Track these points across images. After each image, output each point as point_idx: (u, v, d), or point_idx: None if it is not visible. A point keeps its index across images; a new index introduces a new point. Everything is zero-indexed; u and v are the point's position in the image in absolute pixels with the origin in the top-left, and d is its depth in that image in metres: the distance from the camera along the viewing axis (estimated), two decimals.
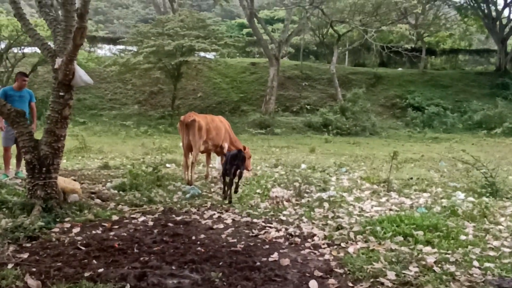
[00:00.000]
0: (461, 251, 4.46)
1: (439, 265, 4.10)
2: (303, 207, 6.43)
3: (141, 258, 4.21)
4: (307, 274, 3.91)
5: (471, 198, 6.91)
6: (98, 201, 6.43)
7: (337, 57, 28.24)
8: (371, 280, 3.76)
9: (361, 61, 36.25)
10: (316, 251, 4.56)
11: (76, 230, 5.08)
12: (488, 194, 7.05)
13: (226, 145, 8.78)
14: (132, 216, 5.82)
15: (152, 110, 25.39)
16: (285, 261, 4.18)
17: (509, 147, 17.28)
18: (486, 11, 31.57)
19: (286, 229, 5.29)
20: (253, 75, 29.34)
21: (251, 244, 4.75)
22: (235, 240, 4.89)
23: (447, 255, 4.33)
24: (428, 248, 4.52)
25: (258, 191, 7.50)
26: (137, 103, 26.07)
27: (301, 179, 7.73)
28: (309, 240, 4.91)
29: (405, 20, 28.55)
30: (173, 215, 5.95)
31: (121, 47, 28.77)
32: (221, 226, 5.47)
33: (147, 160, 9.88)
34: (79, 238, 4.79)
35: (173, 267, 4.00)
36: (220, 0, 32.84)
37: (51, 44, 5.91)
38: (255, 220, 5.74)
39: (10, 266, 3.87)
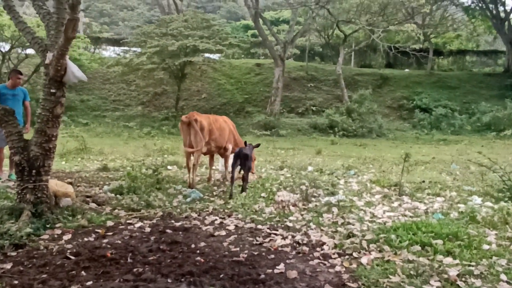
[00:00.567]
0: (486, 263, 4.06)
1: (463, 279, 3.71)
2: (310, 212, 6.04)
3: (135, 269, 3.85)
4: None
5: (488, 203, 6.51)
6: (93, 205, 6.06)
7: (343, 58, 27.84)
8: None
9: (367, 62, 35.83)
10: (326, 262, 4.17)
11: (66, 237, 4.73)
12: (507, 199, 6.63)
13: (230, 147, 8.42)
14: (128, 221, 5.46)
15: (156, 111, 25.08)
16: (292, 274, 3.80)
17: None
18: (494, 11, 31.09)
19: (293, 237, 4.91)
20: (258, 76, 28.99)
21: (255, 253, 4.37)
22: (238, 248, 4.51)
23: (471, 267, 3.93)
24: (449, 259, 4.12)
25: (262, 194, 7.10)
26: (140, 104, 25.77)
27: (308, 182, 7.33)
28: (318, 249, 4.52)
29: (412, 21, 28.09)
30: (172, 221, 5.58)
31: (125, 48, 28.44)
32: (223, 233, 5.09)
33: (148, 162, 9.53)
34: (69, 246, 4.43)
35: (169, 280, 3.63)
36: None
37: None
38: (259, 226, 5.36)
39: None
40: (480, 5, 31.94)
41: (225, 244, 4.66)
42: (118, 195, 6.67)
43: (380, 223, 5.44)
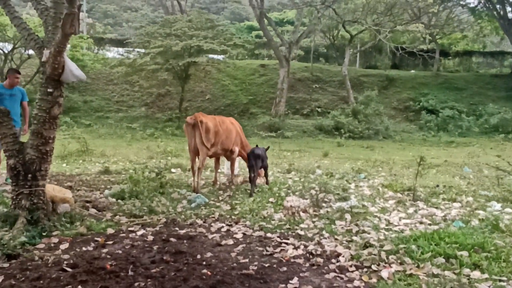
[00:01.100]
0: None
1: None
2: (322, 219, 5.71)
3: (136, 284, 3.55)
4: None
5: (508, 209, 6.18)
6: (93, 211, 5.76)
7: (348, 59, 27.49)
8: None
9: (372, 63, 35.44)
10: (342, 275, 3.85)
11: (64, 246, 4.43)
12: None
13: (236, 149, 8.10)
14: (130, 229, 5.15)
15: (160, 112, 24.79)
16: None
17: None
18: (502, 12, 30.66)
19: (305, 246, 4.59)
20: (263, 77, 28.67)
21: (266, 265, 4.06)
22: (247, 260, 4.19)
23: (502, 283, 3.61)
24: (476, 273, 3.79)
25: (271, 199, 6.77)
26: (144, 105, 25.49)
27: (317, 187, 6.99)
28: (333, 260, 4.20)
29: (418, 21, 27.72)
30: (176, 228, 5.27)
31: (129, 49, 28.15)
32: (231, 242, 4.77)
33: (151, 164, 9.23)
34: (66, 256, 4.13)
35: None
36: None
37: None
38: (268, 235, 5.04)
39: None
40: (487, 5, 31.51)
41: (233, 254, 4.35)
42: (119, 200, 6.37)
43: (397, 231, 5.11)
